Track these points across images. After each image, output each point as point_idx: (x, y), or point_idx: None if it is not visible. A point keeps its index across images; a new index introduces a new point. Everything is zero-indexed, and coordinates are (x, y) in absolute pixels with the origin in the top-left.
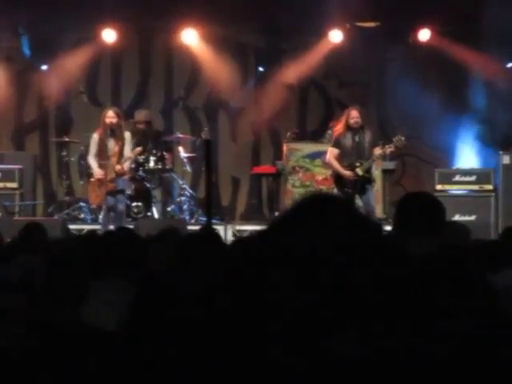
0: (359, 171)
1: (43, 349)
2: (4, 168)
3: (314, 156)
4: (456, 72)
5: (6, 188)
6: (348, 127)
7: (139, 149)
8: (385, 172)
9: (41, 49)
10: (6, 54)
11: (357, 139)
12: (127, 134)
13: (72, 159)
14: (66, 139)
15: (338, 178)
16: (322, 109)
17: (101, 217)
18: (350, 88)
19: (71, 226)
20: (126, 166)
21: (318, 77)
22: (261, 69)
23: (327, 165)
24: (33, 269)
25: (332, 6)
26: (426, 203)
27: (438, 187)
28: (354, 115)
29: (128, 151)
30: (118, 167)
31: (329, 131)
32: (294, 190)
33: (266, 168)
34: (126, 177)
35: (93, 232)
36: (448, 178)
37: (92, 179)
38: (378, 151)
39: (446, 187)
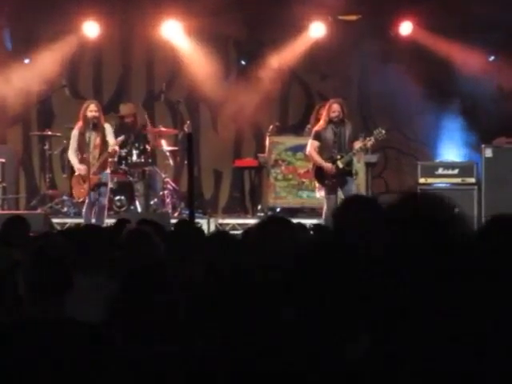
0: (340, 164)
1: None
2: None
3: (296, 149)
4: (438, 65)
5: None
6: (329, 120)
7: (121, 138)
8: (367, 165)
9: (22, 42)
10: None
11: (337, 132)
12: (107, 125)
13: (55, 153)
14: (49, 133)
15: (318, 171)
16: (303, 102)
17: (83, 211)
18: (331, 81)
19: (54, 220)
20: (117, 148)
21: (299, 70)
22: (242, 62)
23: (308, 157)
24: (16, 263)
25: (314, 0)
26: None
27: (421, 180)
28: (334, 109)
29: (112, 141)
30: (112, 148)
31: (308, 125)
32: (277, 183)
33: (248, 161)
34: (108, 170)
35: (77, 226)
36: (431, 172)
37: (75, 174)
38: (358, 144)
39: (429, 180)
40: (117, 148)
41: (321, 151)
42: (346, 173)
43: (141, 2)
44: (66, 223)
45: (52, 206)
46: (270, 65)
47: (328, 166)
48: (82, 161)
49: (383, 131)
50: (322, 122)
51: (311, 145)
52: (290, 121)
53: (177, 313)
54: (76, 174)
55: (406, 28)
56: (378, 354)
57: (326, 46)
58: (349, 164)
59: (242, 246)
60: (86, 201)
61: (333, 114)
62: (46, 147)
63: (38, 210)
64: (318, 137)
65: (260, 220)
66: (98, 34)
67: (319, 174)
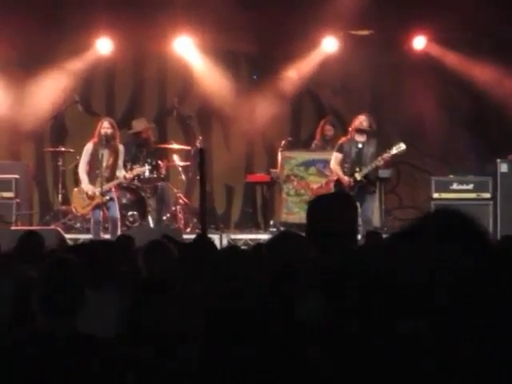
0: (357, 176)
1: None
2: (0, 178)
3: (308, 164)
4: (451, 79)
5: (2, 198)
6: (353, 131)
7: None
8: (380, 180)
9: (36, 58)
10: (2, 62)
11: (360, 146)
12: (121, 147)
13: (68, 168)
14: (62, 149)
15: (337, 184)
16: (316, 117)
17: (91, 227)
18: (343, 96)
19: (67, 236)
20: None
21: (311, 84)
22: (254, 77)
23: (332, 171)
24: (30, 278)
25: (326, 15)
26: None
27: (435, 195)
28: (362, 119)
29: (121, 164)
30: (128, 175)
31: (315, 141)
32: (289, 198)
33: (260, 176)
34: (114, 193)
35: (89, 241)
36: (445, 187)
37: (76, 188)
38: (378, 158)
39: (443, 196)
40: (131, 177)
41: (342, 164)
42: (366, 189)
43: (153, 18)
44: (78, 239)
45: (65, 222)
46: (282, 80)
47: (345, 178)
48: (89, 174)
49: (403, 146)
50: (347, 135)
51: (335, 158)
52: (303, 136)
53: (189, 326)
54: (80, 188)
55: (419, 42)
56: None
57: (339, 61)
58: (367, 177)
59: (254, 260)
60: (92, 219)
61: (357, 122)
62: (59, 163)
63: (51, 226)
64: (340, 149)
65: (273, 235)
66: (110, 51)
67: (337, 187)
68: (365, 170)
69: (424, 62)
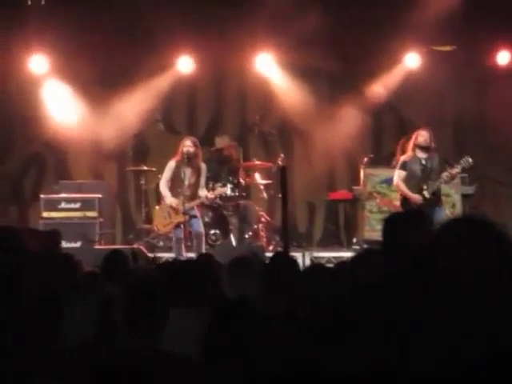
0: (426, 194)
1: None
2: (84, 197)
3: (390, 181)
4: None
5: (85, 217)
6: (416, 148)
7: (225, 189)
8: (464, 196)
9: (118, 77)
10: (84, 81)
11: (424, 162)
12: (203, 166)
13: (150, 187)
14: (144, 168)
15: (405, 202)
16: (398, 133)
17: (173, 246)
18: (426, 112)
19: (150, 254)
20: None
21: (393, 101)
22: (335, 93)
23: (396, 188)
24: (113, 297)
25: (408, 31)
26: None
27: None
28: (423, 134)
29: (203, 183)
30: (210, 195)
31: (395, 158)
32: (371, 215)
33: (342, 194)
34: (196, 210)
35: (172, 260)
36: None
37: (157, 207)
38: (444, 173)
39: None
40: (213, 197)
41: (407, 181)
42: (433, 202)
43: (234, 36)
44: (161, 257)
45: (148, 241)
46: (364, 96)
47: (414, 196)
48: (171, 192)
49: (470, 160)
50: (409, 152)
51: (398, 175)
52: (384, 152)
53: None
54: (162, 205)
55: (503, 58)
56: None
57: (421, 77)
58: (435, 193)
59: (337, 279)
60: (174, 237)
61: (421, 139)
62: (142, 182)
63: (134, 245)
64: (404, 167)
65: (356, 253)
66: (191, 69)
67: (406, 204)
68: (433, 187)
69: (508, 78)
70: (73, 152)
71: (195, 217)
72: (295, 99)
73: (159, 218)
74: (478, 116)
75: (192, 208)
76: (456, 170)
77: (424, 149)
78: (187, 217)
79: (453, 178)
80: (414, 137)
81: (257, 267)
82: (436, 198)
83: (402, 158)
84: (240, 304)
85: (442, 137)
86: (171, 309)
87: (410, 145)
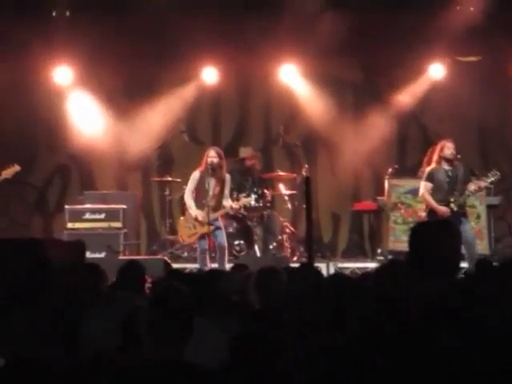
0: (453, 207)
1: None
2: (108, 208)
3: (415, 192)
4: None
5: (110, 227)
6: (442, 159)
7: (249, 199)
8: (489, 207)
9: (143, 88)
10: (109, 92)
11: (450, 173)
12: (227, 177)
13: (175, 198)
14: (169, 178)
15: (431, 213)
16: (422, 144)
17: (197, 257)
18: (450, 123)
19: (174, 265)
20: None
21: (417, 111)
22: (359, 104)
23: (422, 199)
24: (137, 308)
25: (432, 41)
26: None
27: None
28: (449, 146)
29: (227, 193)
30: (234, 206)
31: (421, 169)
32: (396, 226)
33: (367, 204)
34: (221, 221)
35: (196, 271)
36: None
37: (182, 217)
38: (472, 186)
39: None
40: (238, 208)
41: (434, 193)
42: (460, 214)
43: (258, 46)
44: (185, 268)
45: (172, 252)
46: (388, 106)
47: (442, 209)
48: (196, 202)
49: (498, 173)
50: (434, 163)
51: (424, 187)
52: (409, 163)
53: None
54: (186, 216)
55: None
56: None
57: (446, 88)
58: (462, 206)
59: (361, 290)
60: (198, 248)
61: (448, 151)
62: (166, 193)
63: (159, 256)
64: (430, 178)
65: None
66: (216, 80)
67: (432, 216)
68: (460, 200)
69: None
70: (97, 163)
71: (219, 228)
72: (319, 110)
73: (184, 229)
74: (502, 126)
75: (216, 219)
76: (484, 183)
77: (450, 161)
78: (212, 227)
79: (480, 190)
80: (439, 148)
81: (283, 278)
82: (462, 210)
83: (428, 170)
84: (266, 315)
85: (467, 147)
86: (196, 320)
87: (436, 156)
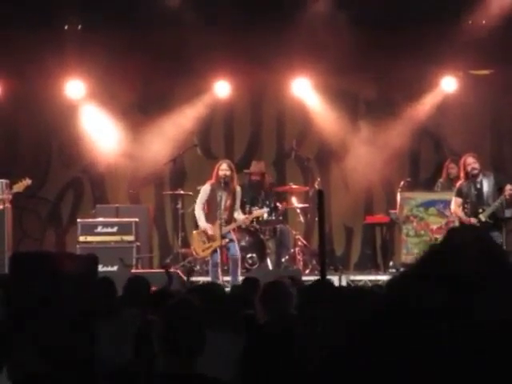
0: (482, 217)
1: None
2: (121, 221)
3: (427, 205)
4: None
5: (122, 241)
6: (466, 175)
7: (262, 211)
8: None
9: (155, 101)
10: (121, 106)
11: (477, 186)
12: (238, 189)
13: (187, 211)
14: (181, 192)
15: None
16: (434, 157)
17: (210, 270)
18: (462, 136)
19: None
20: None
21: (430, 125)
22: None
23: (453, 214)
24: (149, 321)
25: (444, 55)
26: None
27: None
28: (469, 162)
29: (238, 205)
30: (248, 217)
31: (440, 180)
32: (409, 239)
33: (379, 217)
34: (233, 234)
35: (208, 284)
36: None
37: (195, 231)
38: (501, 197)
39: None
40: (250, 219)
41: (464, 207)
42: (491, 227)
43: (271, 60)
44: (198, 281)
45: (185, 265)
46: (400, 120)
47: (469, 220)
48: (208, 216)
49: None
50: (461, 179)
51: (454, 202)
52: (421, 176)
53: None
54: (197, 231)
55: None
56: None
57: (458, 101)
58: (492, 216)
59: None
60: (210, 261)
61: (469, 167)
62: (179, 206)
63: (171, 269)
64: (459, 193)
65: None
66: (228, 94)
67: None
68: (489, 211)
69: None
70: (110, 176)
71: (232, 241)
72: (332, 123)
73: (198, 243)
74: None
75: (229, 232)
76: (510, 191)
77: (474, 175)
78: (226, 240)
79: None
80: (462, 165)
81: (290, 291)
82: (492, 221)
83: (457, 185)
84: (274, 329)
85: (480, 160)
86: (208, 333)
87: (462, 172)
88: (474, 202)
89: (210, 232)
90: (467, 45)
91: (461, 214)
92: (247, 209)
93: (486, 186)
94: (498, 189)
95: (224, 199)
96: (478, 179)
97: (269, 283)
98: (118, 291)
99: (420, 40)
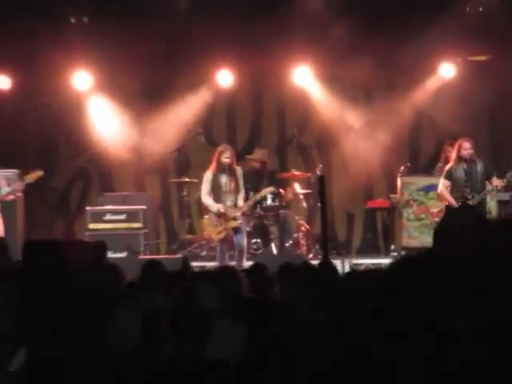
0: (471, 203)
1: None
2: (129, 209)
3: (428, 189)
4: None
5: (131, 228)
6: (460, 158)
7: (269, 189)
8: (499, 203)
9: (158, 91)
10: (127, 96)
11: (469, 171)
12: (238, 168)
13: (193, 198)
14: (186, 179)
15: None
16: (434, 142)
17: (217, 254)
18: (461, 121)
19: (193, 264)
20: (248, 205)
21: (429, 110)
22: (370, 104)
23: (439, 197)
24: (158, 307)
25: (443, 41)
26: None
27: None
28: (466, 146)
29: (241, 186)
30: (243, 208)
31: (439, 164)
32: (409, 223)
33: (380, 202)
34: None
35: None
36: None
37: (206, 216)
38: (489, 186)
39: None
40: (259, 198)
41: (452, 190)
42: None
43: (272, 49)
44: (204, 266)
45: (191, 251)
46: (400, 106)
47: (457, 205)
48: (215, 201)
49: None
50: (452, 161)
51: (443, 184)
52: (421, 161)
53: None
54: (208, 216)
55: None
56: None
57: (456, 87)
58: (481, 204)
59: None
60: (219, 247)
61: (464, 152)
62: (184, 193)
63: (178, 255)
64: (449, 176)
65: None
66: (231, 83)
67: None
68: (478, 198)
69: None
70: (116, 165)
71: (240, 230)
72: (332, 110)
73: (210, 228)
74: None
75: (239, 215)
76: (502, 183)
77: (467, 160)
78: (239, 222)
79: (499, 191)
80: (456, 148)
81: (304, 274)
82: (481, 209)
83: (447, 168)
84: (286, 309)
85: (478, 146)
86: (219, 320)
87: (454, 155)
88: (462, 186)
89: (222, 210)
90: (466, 31)
91: (449, 197)
92: (251, 195)
93: (476, 172)
94: (486, 178)
95: (227, 183)
96: (470, 164)
97: (285, 265)
98: (127, 277)
99: (419, 26)
